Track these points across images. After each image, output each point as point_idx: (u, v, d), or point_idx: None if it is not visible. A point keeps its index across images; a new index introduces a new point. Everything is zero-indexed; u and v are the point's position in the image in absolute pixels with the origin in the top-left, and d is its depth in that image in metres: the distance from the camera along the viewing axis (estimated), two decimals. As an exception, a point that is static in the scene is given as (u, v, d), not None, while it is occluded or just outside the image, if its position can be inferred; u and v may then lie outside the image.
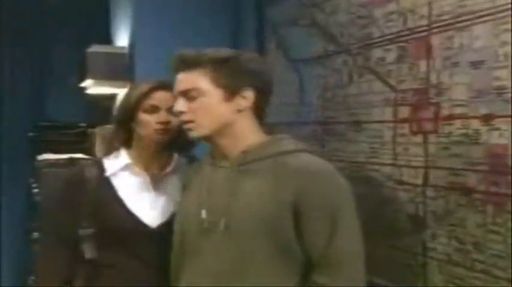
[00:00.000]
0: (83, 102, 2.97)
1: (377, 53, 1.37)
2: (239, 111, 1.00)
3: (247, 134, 1.01)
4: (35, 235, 2.66)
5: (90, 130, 2.91)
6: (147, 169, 1.36)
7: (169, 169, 1.37)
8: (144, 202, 1.33)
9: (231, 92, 1.00)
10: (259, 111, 1.03)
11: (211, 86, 1.00)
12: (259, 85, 1.01)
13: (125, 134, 1.36)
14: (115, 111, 1.39)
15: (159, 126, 1.30)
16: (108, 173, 1.34)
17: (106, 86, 2.30)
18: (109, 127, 2.63)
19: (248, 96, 0.99)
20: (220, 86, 1.00)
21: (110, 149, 1.42)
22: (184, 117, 1.03)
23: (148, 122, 1.31)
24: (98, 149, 2.70)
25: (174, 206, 1.32)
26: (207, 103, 1.00)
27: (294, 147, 0.98)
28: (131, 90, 1.37)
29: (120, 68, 2.19)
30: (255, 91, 1.01)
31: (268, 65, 1.06)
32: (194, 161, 1.37)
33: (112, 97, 2.59)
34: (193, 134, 1.03)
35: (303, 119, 1.70)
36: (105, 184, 1.33)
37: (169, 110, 1.28)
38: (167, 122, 1.30)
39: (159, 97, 1.32)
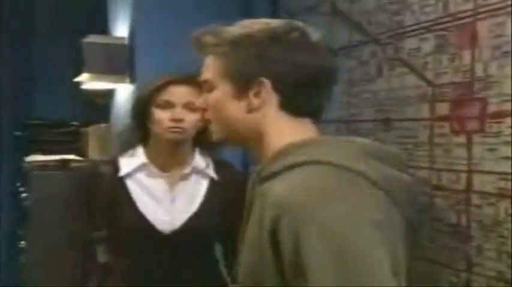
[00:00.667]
0: (77, 99, 2.92)
1: (411, 43, 1.31)
2: (251, 110, 0.83)
3: (275, 138, 0.83)
4: (23, 243, 2.60)
5: (83, 129, 2.90)
6: (164, 169, 1.35)
7: (187, 170, 1.36)
8: (158, 206, 1.32)
9: (241, 87, 0.83)
10: (293, 107, 0.83)
11: (219, 77, 0.85)
12: (280, 75, 0.81)
13: (141, 131, 1.35)
14: (130, 107, 1.39)
15: (172, 124, 1.30)
16: (122, 172, 1.33)
17: (103, 80, 2.24)
18: (104, 126, 2.66)
19: (262, 91, 0.81)
20: (228, 78, 0.84)
21: (123, 148, 1.39)
22: (205, 115, 0.91)
23: (161, 119, 1.31)
24: (92, 149, 2.71)
25: (191, 211, 1.33)
26: (216, 99, 0.86)
27: (304, 158, 0.76)
28: (146, 84, 1.36)
29: (119, 61, 2.15)
30: (272, 83, 0.82)
31: (305, 44, 0.82)
32: (224, 165, 1.38)
33: (109, 93, 2.54)
34: (212, 136, 0.91)
35: (324, 116, 1.63)
36: (119, 184, 1.32)
37: (186, 106, 1.28)
38: (180, 120, 1.29)
39: (174, 92, 1.30)
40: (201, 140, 1.33)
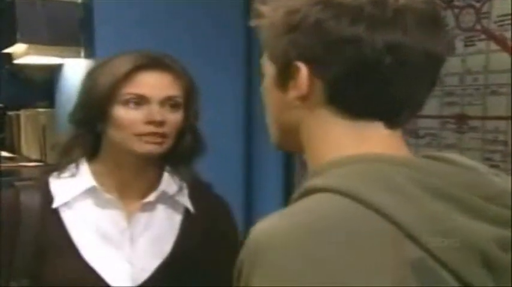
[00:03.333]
0: (9, 78, 2.79)
1: (502, 6, 1.19)
2: (288, 106, 0.77)
3: (319, 148, 0.77)
4: None
5: (12, 113, 2.73)
6: (120, 195, 1.20)
7: (152, 196, 1.20)
8: (111, 250, 1.17)
9: (280, 73, 0.77)
10: (346, 104, 0.74)
11: (268, 61, 0.79)
12: (323, 57, 0.73)
13: (88, 138, 1.19)
14: (75, 104, 1.21)
15: (148, 129, 1.13)
16: (57, 202, 1.16)
17: (46, 54, 2.04)
18: (45, 111, 2.49)
19: (298, 80, 0.75)
20: (273, 59, 0.78)
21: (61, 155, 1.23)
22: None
23: (130, 122, 1.14)
24: (26, 142, 2.60)
25: (161, 257, 1.19)
26: (264, 89, 0.82)
27: (317, 183, 0.72)
28: (102, 68, 1.17)
29: (68, 27, 1.98)
30: (314, 70, 0.74)
31: (371, 12, 0.70)
32: (203, 190, 1.27)
33: (55, 69, 2.40)
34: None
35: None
36: (52, 219, 1.16)
37: (165, 103, 1.14)
38: (161, 123, 1.13)
39: (147, 82, 1.14)
40: (173, 153, 1.18)
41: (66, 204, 1.17)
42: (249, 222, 1.96)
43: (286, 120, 0.79)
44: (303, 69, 0.72)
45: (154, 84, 1.14)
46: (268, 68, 0.78)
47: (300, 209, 0.67)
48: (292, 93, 0.74)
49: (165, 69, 1.15)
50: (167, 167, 1.23)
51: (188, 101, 1.18)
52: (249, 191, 2.04)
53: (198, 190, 1.26)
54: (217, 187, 1.30)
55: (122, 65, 1.13)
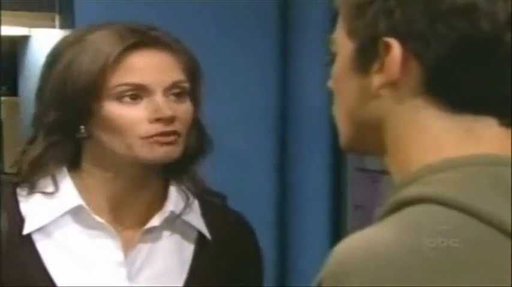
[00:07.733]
0: None
1: None
2: (372, 95, 0.78)
3: (414, 148, 0.78)
4: None
5: None
6: (115, 218, 1.17)
7: (156, 220, 1.16)
8: None
9: (361, 53, 0.78)
10: (453, 94, 0.75)
11: (346, 36, 0.81)
12: (425, 35, 0.74)
13: (67, 146, 1.15)
14: (40, 101, 1.16)
15: (155, 129, 1.09)
16: (29, 227, 1.13)
17: (10, 22, 1.97)
18: (7, 100, 2.50)
19: (387, 60, 0.76)
20: (353, 33, 0.80)
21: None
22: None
23: (129, 122, 1.10)
24: None
25: None
26: (336, 71, 0.83)
27: (419, 192, 0.74)
28: (75, 50, 1.11)
29: None
30: (411, 49, 0.75)
31: None
32: (218, 208, 1.24)
33: (17, 42, 2.39)
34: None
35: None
36: (23, 250, 1.14)
37: (170, 91, 1.10)
38: (172, 118, 1.09)
39: (146, 65, 1.10)
40: (180, 160, 1.15)
41: (42, 229, 1.13)
42: (283, 251, 1.91)
43: (365, 114, 0.79)
44: (396, 47, 0.73)
45: (154, 68, 1.09)
46: (344, 46, 0.79)
47: (396, 227, 0.68)
48: (378, 79, 0.75)
49: (161, 46, 1.10)
50: (173, 181, 1.18)
51: (193, 87, 1.15)
52: (284, 205, 1.97)
53: (211, 206, 1.21)
54: (242, 202, 1.25)
55: (107, 45, 1.07)
